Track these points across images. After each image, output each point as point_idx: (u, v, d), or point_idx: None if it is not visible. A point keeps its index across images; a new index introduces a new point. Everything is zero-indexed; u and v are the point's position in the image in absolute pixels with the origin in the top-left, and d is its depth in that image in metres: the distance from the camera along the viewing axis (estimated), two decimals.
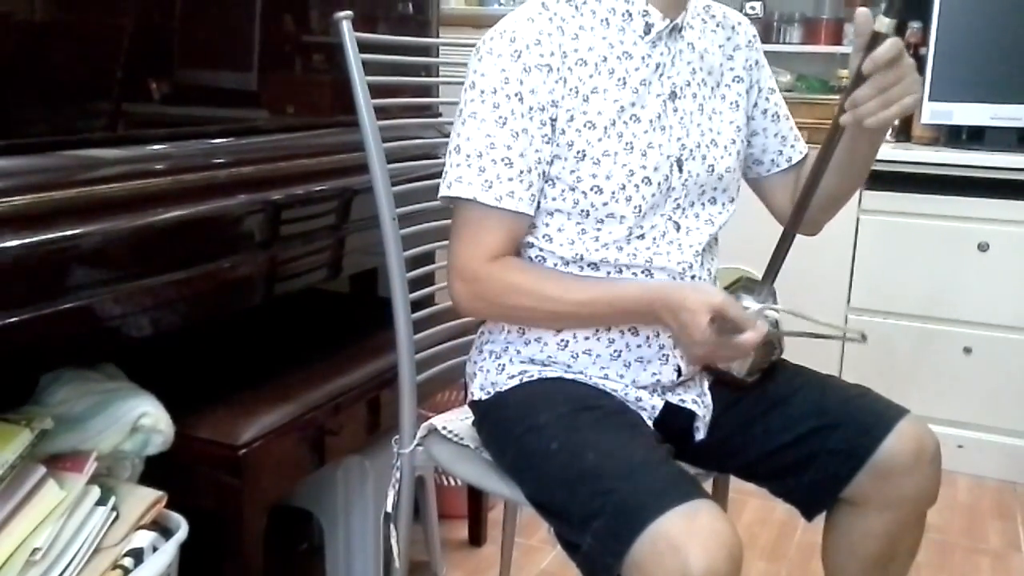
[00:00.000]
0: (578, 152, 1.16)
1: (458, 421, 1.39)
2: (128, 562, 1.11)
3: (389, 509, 1.39)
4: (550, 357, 1.23)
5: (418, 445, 1.39)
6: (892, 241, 2.56)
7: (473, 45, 1.20)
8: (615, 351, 1.22)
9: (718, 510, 0.99)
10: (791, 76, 2.98)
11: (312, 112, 1.66)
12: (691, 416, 1.25)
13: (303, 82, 1.65)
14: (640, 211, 1.19)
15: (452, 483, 2.12)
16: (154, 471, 1.26)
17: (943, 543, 2.20)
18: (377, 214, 1.35)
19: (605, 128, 1.17)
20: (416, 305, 1.39)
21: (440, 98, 1.75)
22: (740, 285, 1.29)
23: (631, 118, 1.18)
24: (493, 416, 1.27)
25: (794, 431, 1.21)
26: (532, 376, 1.24)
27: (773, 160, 1.36)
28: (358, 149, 1.36)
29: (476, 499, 2.08)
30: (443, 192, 1.18)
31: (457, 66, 1.23)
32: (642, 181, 1.18)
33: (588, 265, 1.20)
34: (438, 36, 2.01)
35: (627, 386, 1.22)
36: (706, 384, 1.28)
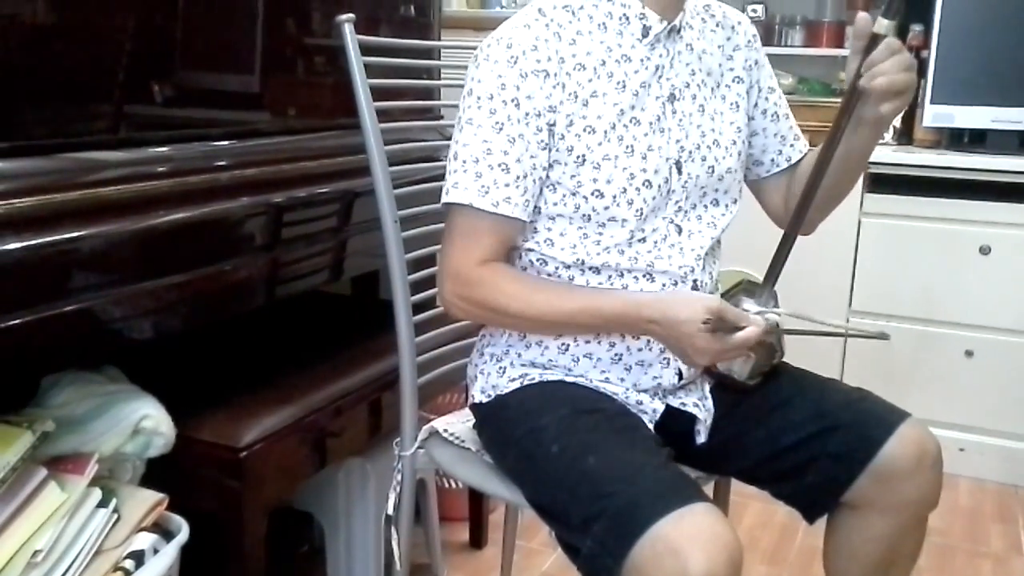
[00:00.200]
0: (578, 157, 1.16)
1: (459, 424, 1.39)
2: (129, 564, 1.11)
3: (390, 511, 1.39)
4: (551, 360, 1.24)
5: (419, 448, 1.39)
6: (894, 244, 2.56)
7: (475, 48, 1.20)
8: (616, 354, 1.22)
9: (718, 513, 0.99)
10: (792, 79, 2.98)
11: (314, 115, 1.66)
12: (692, 419, 1.25)
13: (305, 84, 1.66)
14: (641, 214, 1.19)
15: (453, 485, 2.12)
16: (155, 473, 1.26)
17: (944, 546, 2.20)
18: (379, 216, 1.36)
19: (605, 132, 1.17)
20: (418, 308, 1.39)
21: (442, 101, 1.75)
22: (741, 288, 1.29)
23: (631, 121, 1.18)
24: (494, 419, 1.27)
25: (795, 434, 1.21)
26: (533, 379, 1.24)
27: (773, 160, 1.36)
28: (360, 152, 1.36)
29: (477, 502, 2.08)
30: (443, 199, 1.18)
31: (459, 68, 1.23)
32: (643, 184, 1.18)
33: (589, 269, 1.20)
34: (440, 39, 2.01)
35: (628, 389, 1.23)
36: (707, 387, 1.28)
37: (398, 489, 1.39)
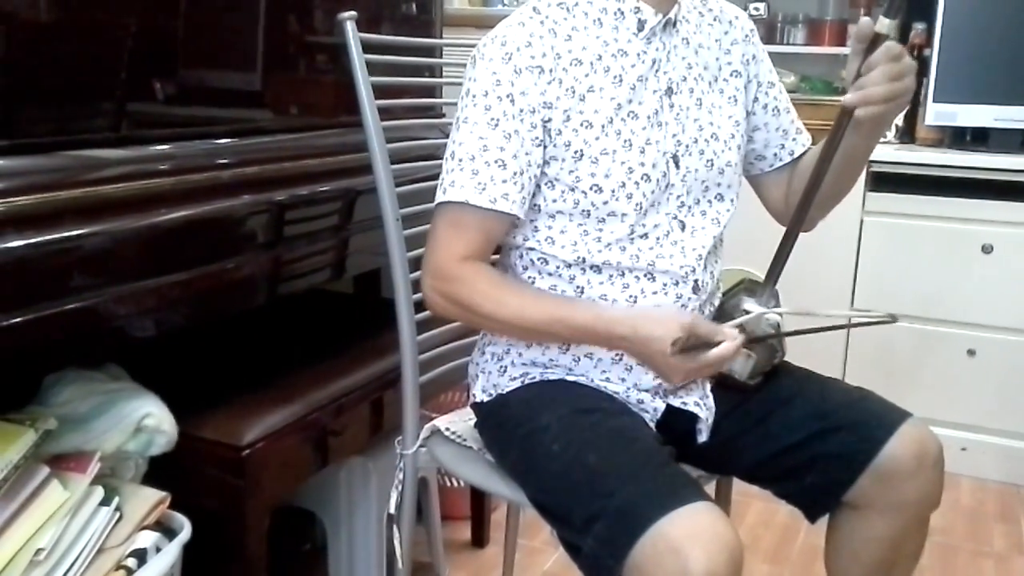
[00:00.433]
0: (576, 152, 1.16)
1: (461, 422, 1.39)
2: (131, 563, 1.12)
3: (392, 510, 1.39)
4: (552, 360, 1.24)
5: (421, 446, 1.39)
6: (896, 243, 2.56)
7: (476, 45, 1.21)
8: (617, 354, 1.21)
9: (719, 512, 0.99)
10: (795, 77, 2.98)
11: (316, 113, 1.66)
12: (693, 418, 1.25)
13: (307, 82, 1.66)
14: (641, 208, 1.18)
15: (455, 484, 2.13)
16: (158, 471, 1.26)
17: (946, 546, 2.19)
18: (381, 215, 1.36)
19: (603, 126, 1.17)
20: (420, 306, 1.39)
21: (444, 99, 1.75)
22: (743, 287, 1.29)
23: (629, 115, 1.18)
24: (495, 418, 1.27)
25: (796, 434, 1.21)
26: (534, 378, 1.24)
27: (776, 154, 1.35)
28: (362, 150, 1.36)
29: (479, 500, 2.08)
30: (439, 198, 1.17)
31: (461, 66, 1.23)
32: (641, 178, 1.18)
33: (591, 268, 1.20)
34: (442, 37, 2.01)
35: (629, 389, 1.22)
36: (708, 387, 1.28)
37: (400, 488, 1.39)
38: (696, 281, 1.22)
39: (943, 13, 2.51)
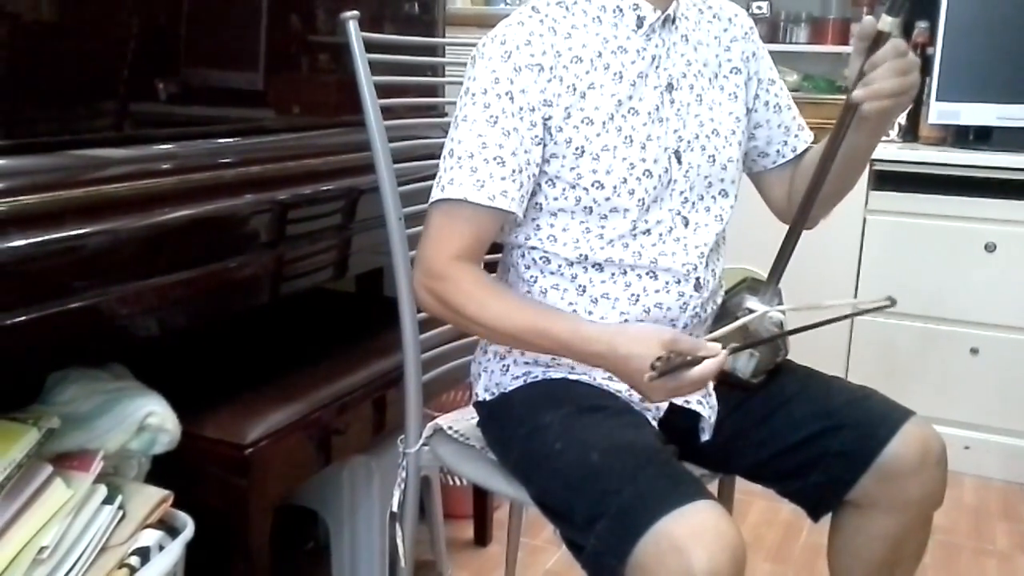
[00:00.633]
0: (577, 148, 1.16)
1: (464, 421, 1.39)
2: (135, 561, 1.12)
3: (395, 509, 1.39)
4: (554, 358, 1.24)
5: (424, 445, 1.39)
6: (899, 241, 2.56)
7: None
8: None
9: (721, 511, 0.99)
10: (797, 76, 2.97)
11: (319, 112, 1.66)
12: (696, 417, 1.25)
13: (310, 82, 1.66)
14: (643, 204, 1.18)
15: (457, 483, 2.13)
16: (161, 470, 1.26)
17: (949, 544, 2.19)
18: (383, 214, 1.36)
19: (604, 123, 1.17)
20: None
21: (446, 98, 1.75)
22: (745, 286, 1.29)
23: (629, 111, 1.18)
24: (498, 417, 1.27)
25: (799, 433, 1.21)
26: (536, 377, 1.24)
27: (779, 151, 1.35)
28: (364, 149, 1.36)
29: (481, 499, 2.08)
30: (436, 196, 1.17)
31: (463, 66, 1.23)
32: (643, 174, 1.18)
33: (593, 266, 1.20)
34: (444, 36, 2.02)
35: (631, 387, 1.22)
36: (711, 385, 1.28)
37: (403, 486, 1.39)
38: (698, 279, 1.22)
39: (946, 11, 2.51)
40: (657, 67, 1.21)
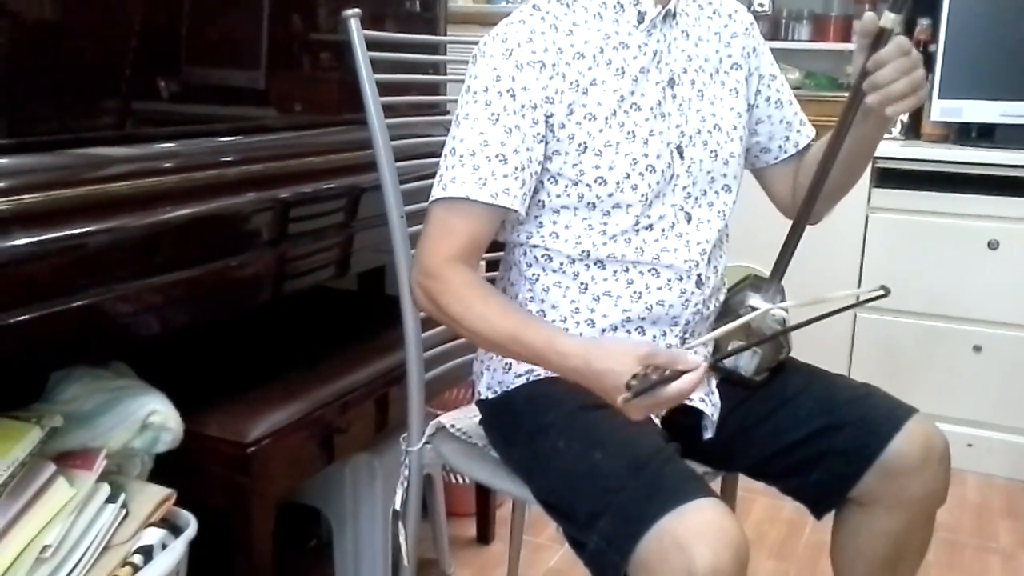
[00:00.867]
0: (580, 144, 1.16)
1: (466, 419, 1.39)
2: (138, 559, 1.12)
3: (397, 507, 1.39)
4: None
5: (426, 443, 1.39)
6: (901, 239, 2.55)
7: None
8: None
9: (724, 508, 0.99)
10: (799, 73, 2.97)
11: (320, 110, 1.66)
12: (699, 415, 1.25)
13: (311, 80, 1.66)
14: (646, 199, 1.18)
15: (460, 481, 2.13)
16: (163, 469, 1.26)
17: (953, 542, 2.19)
18: (385, 212, 1.36)
19: (606, 118, 1.17)
20: None
21: (448, 96, 1.75)
22: (748, 283, 1.29)
23: (632, 107, 1.18)
24: (500, 415, 1.27)
25: (801, 430, 1.21)
26: (539, 375, 1.24)
27: (781, 146, 1.35)
28: (366, 147, 1.36)
29: (484, 497, 2.08)
30: (437, 195, 1.16)
31: (465, 64, 1.23)
32: (646, 169, 1.18)
33: (595, 264, 1.20)
34: (446, 34, 2.01)
35: None
36: (713, 383, 1.28)
37: (405, 484, 1.39)
38: (699, 275, 1.22)
39: (948, 8, 2.50)
40: (658, 62, 1.21)
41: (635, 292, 1.20)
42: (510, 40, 1.16)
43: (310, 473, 1.51)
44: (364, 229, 1.62)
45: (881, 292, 1.10)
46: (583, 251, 1.19)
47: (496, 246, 1.27)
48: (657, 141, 1.19)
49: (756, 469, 1.27)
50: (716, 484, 1.36)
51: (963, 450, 2.50)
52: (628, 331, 1.21)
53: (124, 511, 1.15)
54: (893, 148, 2.53)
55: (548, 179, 1.19)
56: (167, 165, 1.29)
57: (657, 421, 1.21)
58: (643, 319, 1.21)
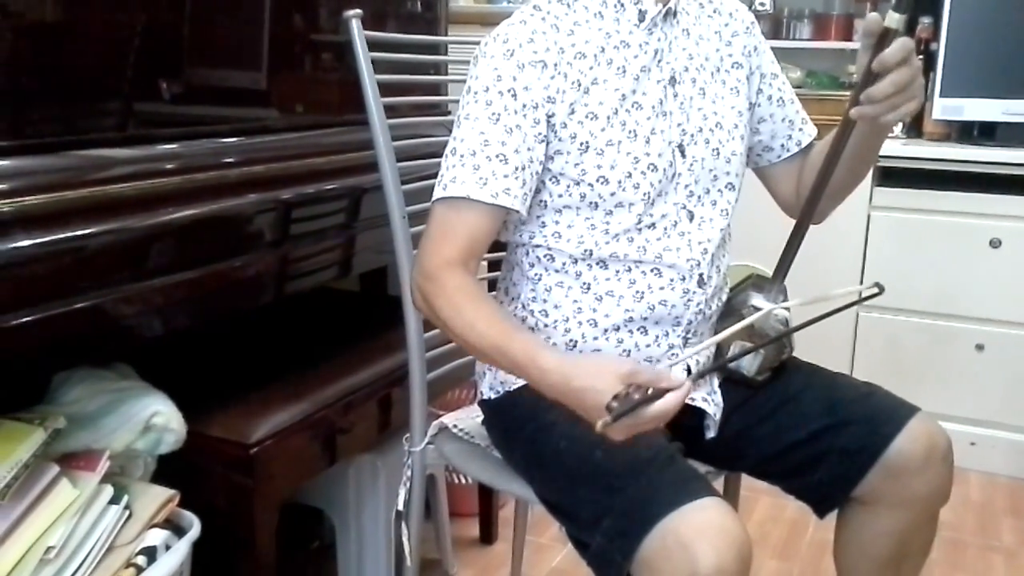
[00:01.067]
0: (581, 144, 1.16)
1: (469, 419, 1.39)
2: (141, 560, 1.12)
3: (400, 507, 1.39)
4: None
5: (429, 443, 1.39)
6: (903, 238, 2.55)
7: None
8: (624, 351, 1.21)
9: (727, 508, 0.99)
10: (801, 72, 2.97)
11: (322, 111, 1.66)
12: (701, 414, 1.25)
13: (313, 81, 1.66)
14: (648, 198, 1.18)
15: (463, 481, 2.13)
16: (166, 470, 1.26)
17: (956, 540, 2.19)
18: (387, 212, 1.36)
19: (608, 117, 1.17)
20: None
21: (449, 96, 1.75)
22: (750, 283, 1.29)
23: (633, 105, 1.18)
24: (502, 415, 1.27)
25: (804, 429, 1.21)
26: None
27: (783, 145, 1.35)
28: (368, 147, 1.36)
29: (487, 497, 2.08)
30: (438, 194, 1.16)
31: (466, 64, 1.23)
32: (648, 168, 1.18)
33: (597, 263, 1.20)
34: (447, 34, 2.02)
35: None
36: (716, 382, 1.28)
37: (408, 485, 1.39)
38: (701, 275, 1.22)
39: (949, 6, 2.50)
40: (659, 61, 1.21)
41: (638, 292, 1.20)
42: (511, 40, 1.16)
43: (313, 474, 1.51)
44: (366, 230, 1.62)
45: (875, 290, 1.10)
46: (586, 250, 1.19)
47: (498, 246, 1.27)
48: (659, 140, 1.19)
49: (759, 468, 1.27)
50: (719, 484, 1.36)
51: (966, 449, 2.50)
52: (631, 331, 1.21)
53: (127, 512, 1.15)
54: (895, 147, 2.52)
55: (550, 179, 1.19)
56: (169, 166, 1.29)
57: None
58: (645, 319, 1.21)
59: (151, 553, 1.13)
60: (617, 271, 1.20)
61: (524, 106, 1.15)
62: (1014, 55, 2.49)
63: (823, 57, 2.99)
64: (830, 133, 1.24)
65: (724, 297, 1.29)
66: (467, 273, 1.14)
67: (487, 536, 2.11)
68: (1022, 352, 2.47)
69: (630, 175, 1.17)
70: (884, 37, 1.09)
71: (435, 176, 1.19)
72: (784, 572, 2.05)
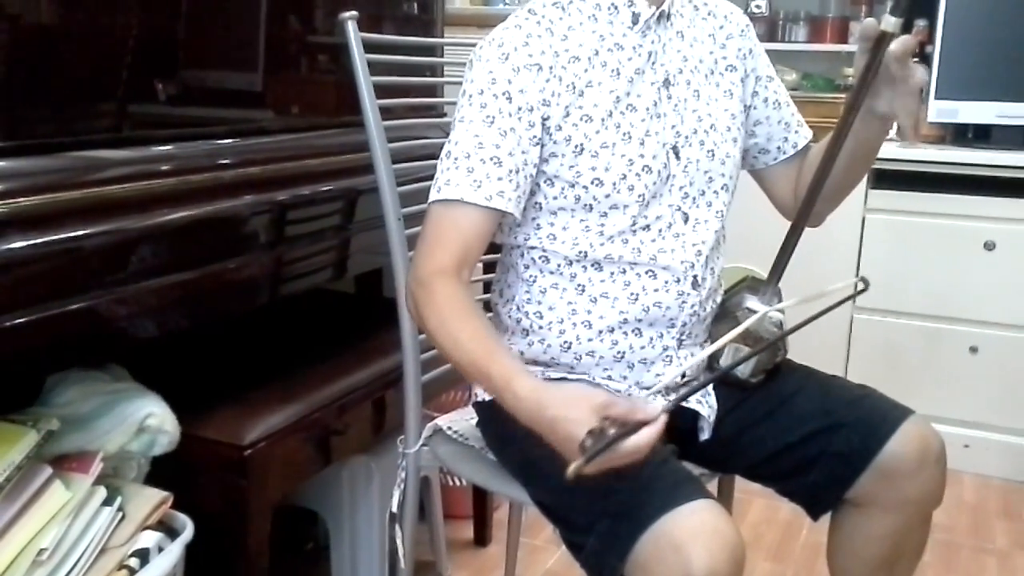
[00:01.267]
0: (576, 146, 1.16)
1: (463, 421, 1.39)
2: (134, 562, 1.12)
3: (394, 509, 1.39)
4: (553, 359, 1.24)
5: (423, 445, 1.39)
6: (898, 240, 2.56)
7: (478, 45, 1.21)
8: (618, 352, 1.22)
9: (720, 510, 0.99)
10: (796, 75, 2.98)
11: (317, 112, 1.66)
12: (695, 416, 1.25)
13: (308, 82, 1.66)
14: (643, 200, 1.18)
15: (457, 483, 2.13)
16: (160, 471, 1.26)
17: (949, 543, 2.19)
18: (383, 214, 1.36)
19: (602, 120, 1.17)
20: None
21: (445, 98, 1.75)
22: (745, 285, 1.29)
23: (627, 108, 1.19)
24: (497, 417, 1.26)
25: (798, 432, 1.21)
26: (536, 377, 1.24)
27: (779, 147, 1.35)
28: (363, 149, 1.36)
29: (481, 499, 2.08)
30: (433, 197, 1.16)
31: (462, 66, 1.23)
32: (642, 170, 1.18)
33: (592, 265, 1.20)
34: (443, 36, 2.02)
35: (631, 387, 1.23)
36: (710, 384, 1.28)
37: (402, 486, 1.39)
38: (695, 277, 1.22)
39: (945, 9, 2.51)
40: (654, 63, 1.21)
41: (632, 294, 1.20)
42: (506, 44, 1.16)
43: (307, 476, 1.51)
44: (361, 231, 1.62)
45: (862, 286, 1.10)
46: (580, 252, 1.20)
47: (493, 248, 1.27)
48: (653, 142, 1.19)
49: (753, 470, 1.28)
50: (712, 486, 1.35)
51: (959, 451, 2.51)
52: (625, 332, 1.21)
53: (120, 514, 1.15)
54: (890, 149, 2.53)
55: (545, 181, 1.19)
56: (164, 168, 1.29)
57: None
58: (640, 321, 1.21)
59: (144, 555, 1.13)
60: (612, 273, 1.20)
61: (519, 109, 1.15)
62: (1009, 58, 2.50)
63: (819, 60, 3.00)
64: (825, 136, 1.24)
65: (718, 299, 1.29)
66: (459, 283, 1.13)
67: (481, 538, 2.11)
68: (1016, 354, 2.48)
69: (624, 177, 1.17)
70: (881, 40, 1.10)
71: (431, 178, 1.19)
72: (777, 574, 2.05)
